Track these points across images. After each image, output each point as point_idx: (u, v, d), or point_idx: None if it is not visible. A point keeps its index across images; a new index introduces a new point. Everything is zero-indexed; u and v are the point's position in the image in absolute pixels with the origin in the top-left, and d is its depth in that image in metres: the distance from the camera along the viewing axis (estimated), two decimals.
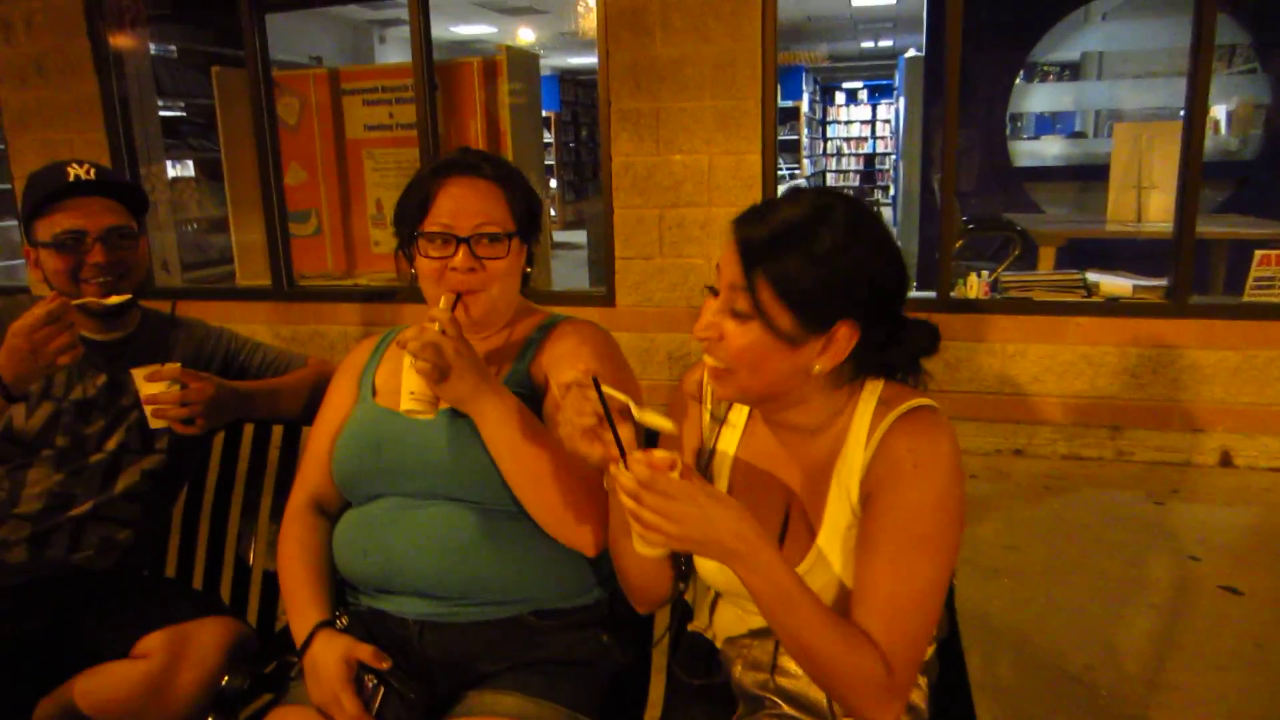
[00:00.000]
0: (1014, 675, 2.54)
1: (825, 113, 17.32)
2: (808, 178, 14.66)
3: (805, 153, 14.91)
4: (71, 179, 1.64)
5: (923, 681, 1.25)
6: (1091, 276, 4.23)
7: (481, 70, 4.94)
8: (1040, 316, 4.08)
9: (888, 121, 16.39)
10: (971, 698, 1.35)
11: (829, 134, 17.38)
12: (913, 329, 1.17)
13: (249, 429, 1.95)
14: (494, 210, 1.40)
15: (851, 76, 16.90)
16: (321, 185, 5.21)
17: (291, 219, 5.11)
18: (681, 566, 1.27)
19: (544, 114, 11.75)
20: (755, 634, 1.26)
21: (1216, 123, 7.08)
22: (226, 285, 5.46)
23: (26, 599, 1.59)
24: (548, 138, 13.42)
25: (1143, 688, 2.47)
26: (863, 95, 17.14)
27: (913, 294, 5.11)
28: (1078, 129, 9.36)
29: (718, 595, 1.36)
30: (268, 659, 1.46)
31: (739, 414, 1.32)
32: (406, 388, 1.27)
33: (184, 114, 7.08)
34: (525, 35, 11.98)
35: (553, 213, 12.84)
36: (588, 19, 9.47)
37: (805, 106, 14.63)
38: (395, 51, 10.83)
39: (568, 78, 14.80)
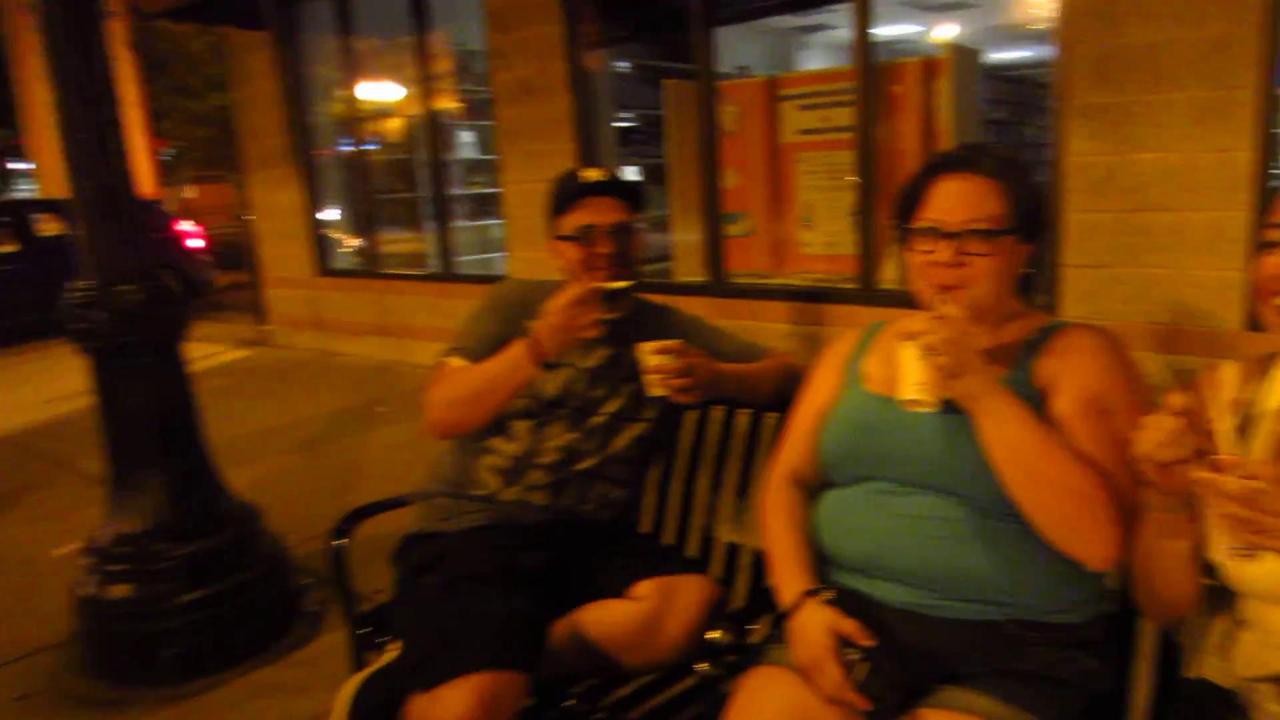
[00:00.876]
0: None
1: None
2: None
3: None
4: (587, 181, 1.93)
5: None
6: None
7: (921, 70, 4.87)
8: None
9: None
10: None
11: None
12: None
13: (717, 411, 2.15)
14: (988, 206, 1.40)
15: None
16: (755, 189, 5.48)
17: (725, 220, 5.44)
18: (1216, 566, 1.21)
19: None
20: (1275, 679, 1.15)
21: None
22: (665, 280, 5.96)
23: (547, 535, 1.91)
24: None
25: None
26: None
27: None
28: None
29: (1233, 626, 1.25)
30: (742, 621, 1.60)
31: (1268, 404, 1.23)
32: (912, 379, 1.31)
33: (634, 124, 7.84)
34: (945, 32, 11.55)
35: None
36: (1029, 10, 8.89)
37: None
38: (816, 57, 11.02)
39: (998, 74, 14.03)
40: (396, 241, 8.31)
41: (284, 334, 8.52)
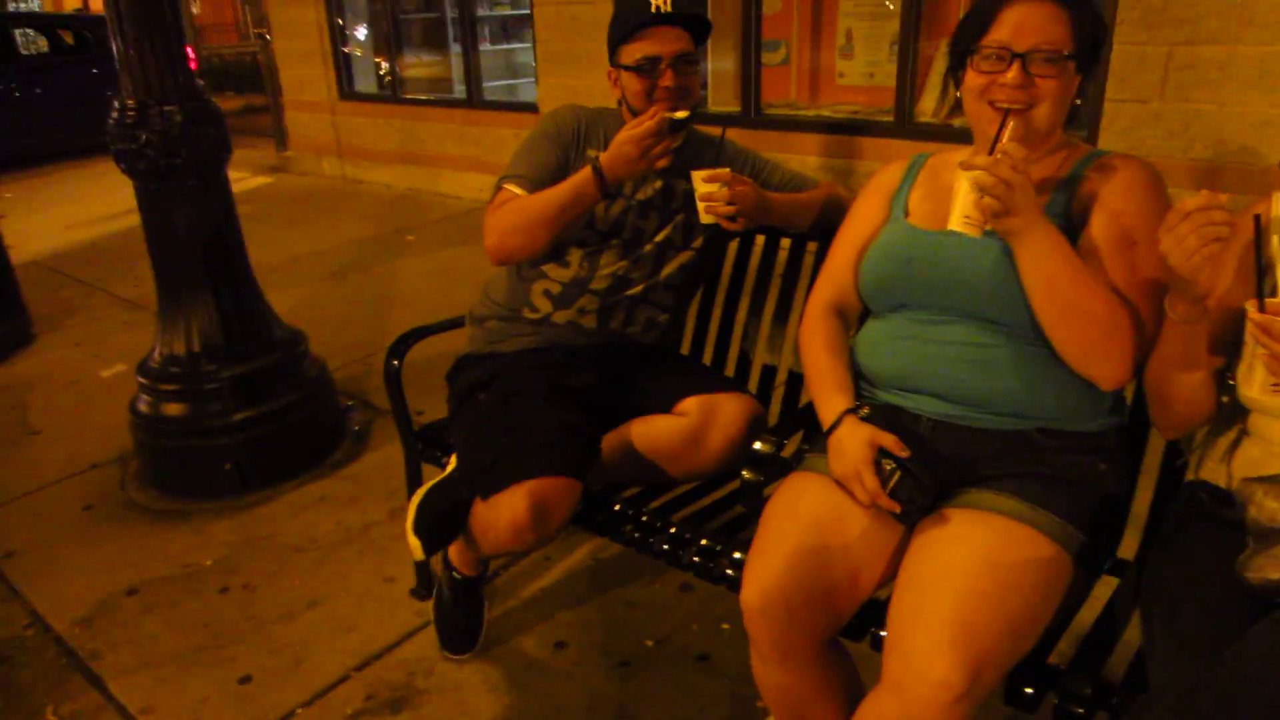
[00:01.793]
0: None
1: None
2: None
3: None
4: (653, 9, 1.88)
5: None
6: None
7: None
8: None
9: None
10: None
11: None
12: None
13: (759, 240, 2.19)
14: (1055, 31, 1.41)
15: None
16: (795, 15, 5.28)
17: (763, 48, 5.27)
18: (1229, 383, 1.27)
19: None
20: (1273, 479, 1.23)
21: None
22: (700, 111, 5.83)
23: (596, 356, 2.00)
24: None
25: None
26: None
27: None
28: None
29: (1242, 433, 1.33)
30: (779, 436, 1.70)
31: None
32: (961, 210, 1.35)
33: None
34: None
35: None
36: None
37: None
38: None
39: None
40: (421, 66, 8.10)
41: (305, 160, 8.45)
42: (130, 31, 2.60)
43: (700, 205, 1.84)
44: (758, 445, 1.64)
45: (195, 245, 2.85)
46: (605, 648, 2.18)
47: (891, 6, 4.82)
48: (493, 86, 7.34)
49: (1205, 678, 1.07)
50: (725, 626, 2.21)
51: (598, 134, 1.98)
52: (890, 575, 1.46)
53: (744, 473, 1.61)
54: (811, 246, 2.10)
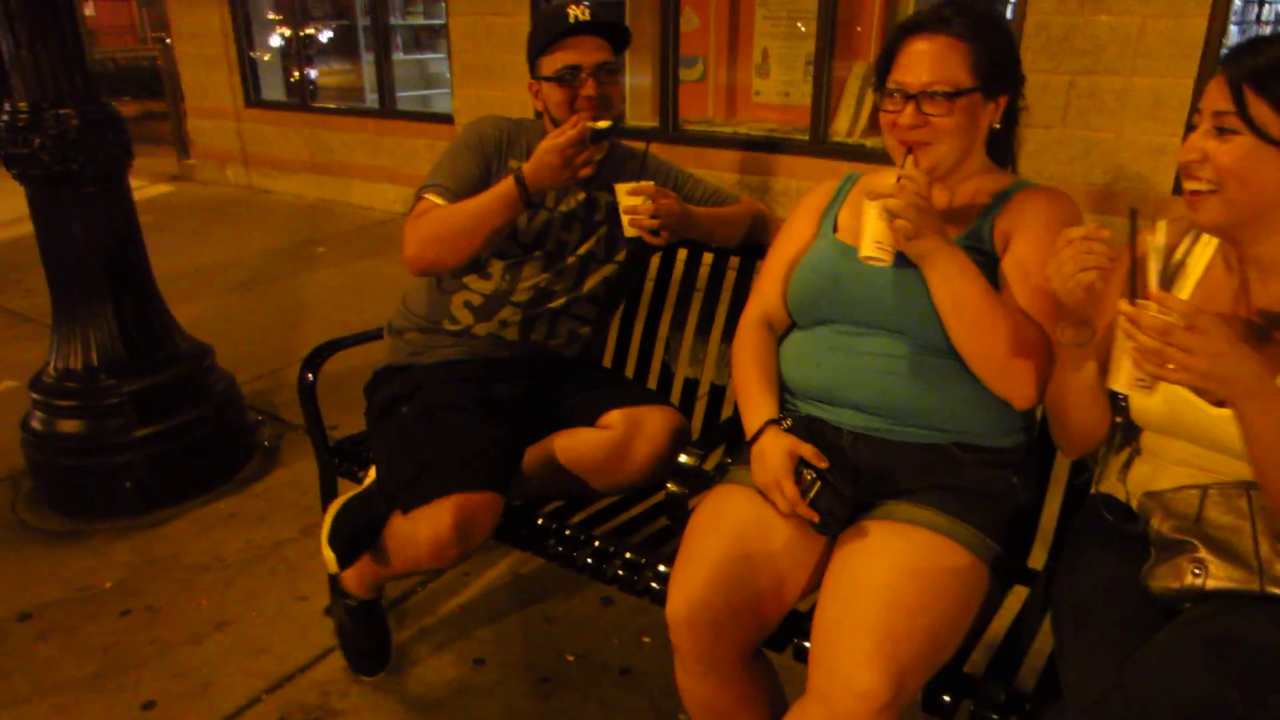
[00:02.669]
0: None
1: None
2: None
3: (1235, 18, 12.73)
4: (571, 20, 1.88)
5: None
6: None
7: None
8: None
9: None
10: None
11: None
12: None
13: (682, 254, 2.21)
14: (949, 68, 1.44)
15: None
16: (712, 32, 5.35)
17: (680, 64, 5.32)
18: (1120, 403, 1.34)
19: None
20: (1176, 489, 1.30)
21: None
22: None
23: (518, 369, 1.98)
24: None
25: None
26: None
27: None
28: None
29: (1133, 455, 1.40)
30: (707, 447, 1.72)
31: (1197, 262, 1.34)
32: (871, 237, 1.38)
33: None
34: None
35: None
36: None
37: None
38: None
39: None
40: (332, 74, 7.94)
41: (208, 169, 8.18)
42: (22, 31, 2.48)
43: (624, 218, 1.84)
44: (683, 458, 1.64)
45: (94, 255, 2.73)
46: (525, 664, 2.15)
47: (805, 29, 4.93)
48: (407, 97, 7.23)
49: (1114, 681, 1.11)
50: (646, 640, 2.21)
51: (520, 145, 1.97)
52: (813, 586, 1.48)
53: (669, 485, 1.62)
54: (734, 261, 2.13)
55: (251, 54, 7.56)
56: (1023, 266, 1.46)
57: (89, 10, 16.84)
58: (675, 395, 2.17)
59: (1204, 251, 1.35)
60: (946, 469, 1.50)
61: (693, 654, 1.43)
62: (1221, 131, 1.18)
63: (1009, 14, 4.21)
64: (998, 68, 1.47)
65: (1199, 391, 1.21)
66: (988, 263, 1.48)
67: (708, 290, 2.16)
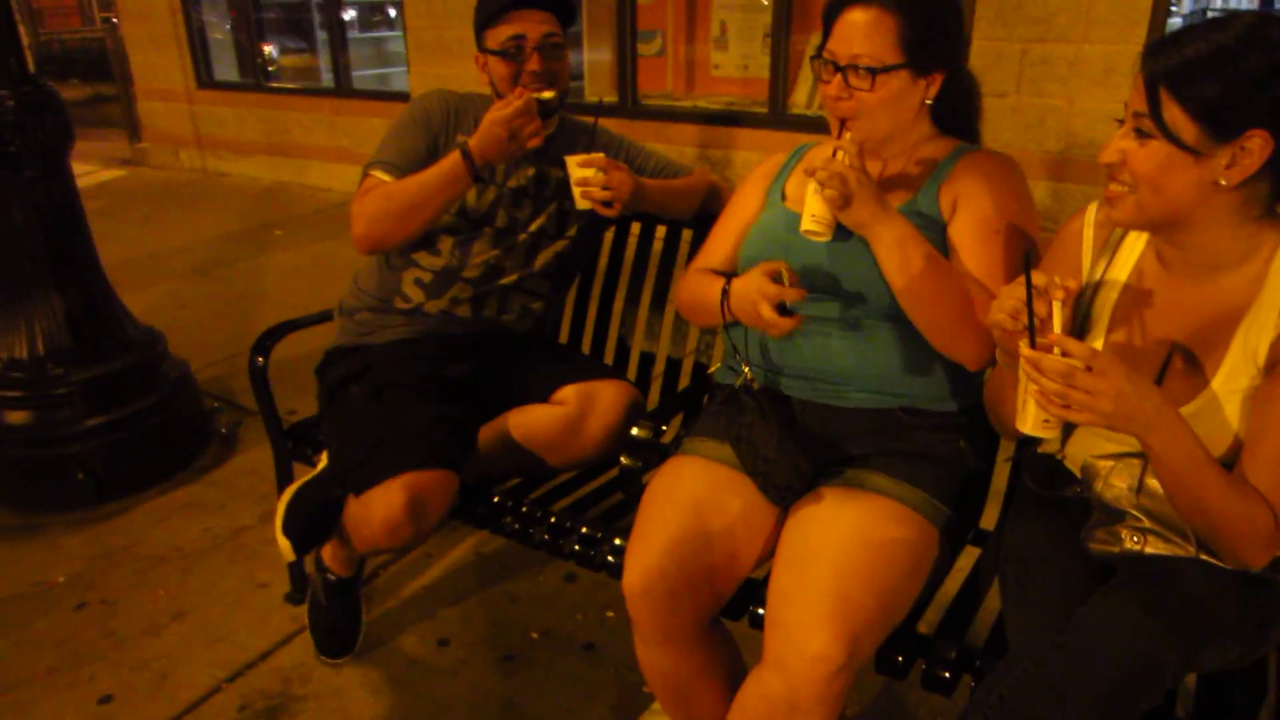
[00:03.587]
0: None
1: None
2: (1185, 15, 12.68)
3: None
4: None
5: None
6: None
7: None
8: None
9: None
10: None
11: None
12: None
13: (636, 227, 2.19)
14: (876, 41, 1.41)
15: None
16: (670, 6, 5.31)
17: (639, 38, 5.28)
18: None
19: None
20: (1116, 456, 1.31)
21: None
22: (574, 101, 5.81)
23: (471, 346, 1.96)
24: None
25: None
26: None
27: None
28: None
29: (1073, 426, 1.41)
30: (658, 421, 1.71)
31: (1129, 253, 1.32)
32: (809, 211, 1.39)
33: None
34: None
35: None
36: None
37: None
38: None
39: None
40: (287, 54, 7.79)
41: (161, 153, 8.01)
42: None
43: (575, 190, 1.82)
44: (635, 431, 1.64)
45: (35, 240, 2.66)
46: (489, 643, 2.15)
47: (763, 1, 4.90)
48: (363, 75, 7.12)
49: (1055, 640, 1.13)
50: (610, 614, 2.21)
51: (468, 119, 1.94)
52: (768, 554, 1.48)
53: (622, 459, 1.61)
54: (687, 235, 2.12)
55: (203, 33, 7.39)
56: (977, 228, 1.46)
57: None
58: (631, 370, 2.16)
59: (1120, 260, 1.34)
60: (894, 434, 1.51)
61: (650, 625, 1.44)
62: (1140, 134, 1.14)
63: None
64: (930, 44, 1.44)
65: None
66: (933, 229, 1.48)
67: (661, 264, 2.15)
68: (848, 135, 1.45)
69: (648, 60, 5.36)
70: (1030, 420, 1.14)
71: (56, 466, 2.73)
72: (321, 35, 7.16)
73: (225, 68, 7.55)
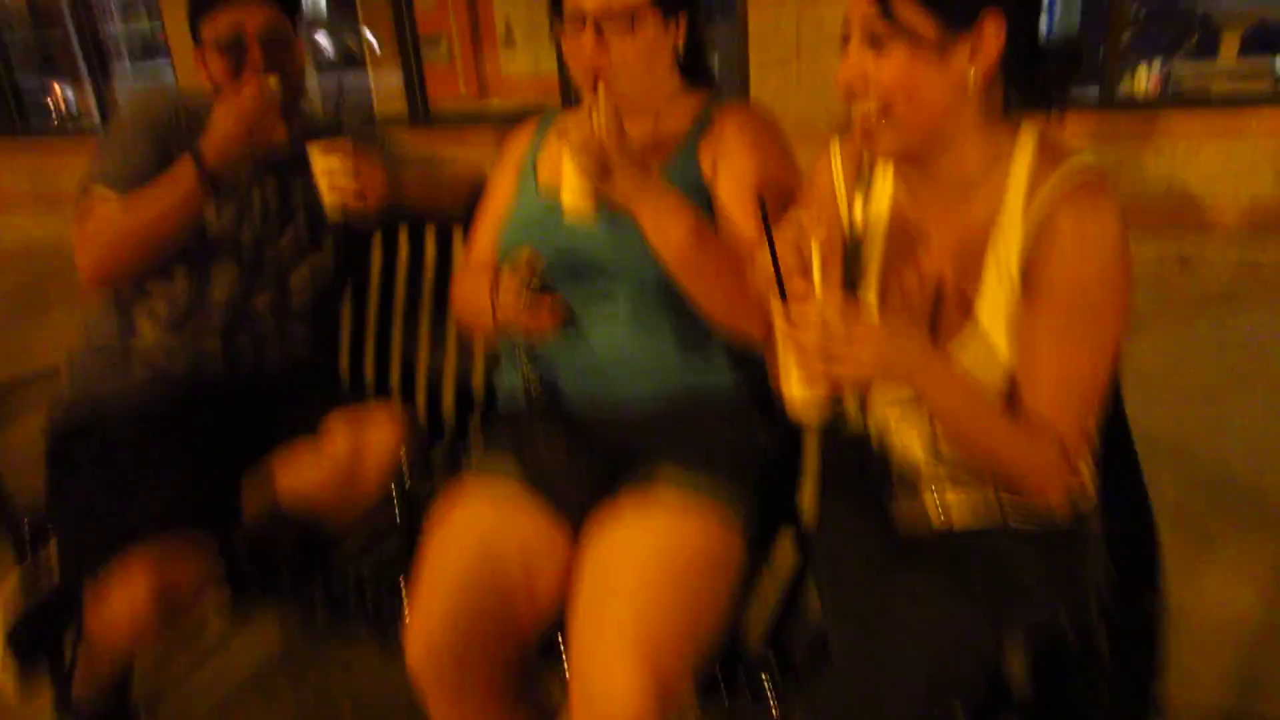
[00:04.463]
0: (1178, 490, 2.44)
1: None
2: None
3: None
4: None
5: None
6: None
7: None
8: (1218, 111, 3.71)
9: None
10: (1141, 475, 1.31)
11: None
12: (1054, 44, 1.09)
13: (404, 231, 2.00)
14: None
15: None
16: (450, 9, 5.13)
17: (423, 45, 5.08)
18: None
19: None
20: (903, 402, 1.23)
21: None
22: (366, 117, 5.55)
23: (223, 387, 1.73)
24: None
25: None
26: None
27: (1072, 92, 4.70)
28: None
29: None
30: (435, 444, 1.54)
31: (881, 189, 1.24)
32: (567, 186, 1.26)
33: None
34: None
35: None
36: None
37: None
38: None
39: None
40: (46, 94, 7.13)
41: None
42: None
43: (322, 183, 1.62)
44: (403, 454, 1.46)
45: None
46: None
47: None
48: None
49: (865, 648, 1.07)
50: None
51: (200, 119, 1.69)
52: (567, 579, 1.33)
53: (391, 488, 1.43)
54: (460, 232, 1.95)
55: None
56: (734, 191, 1.37)
57: None
58: (419, 391, 1.98)
59: (875, 196, 1.26)
60: (686, 422, 1.40)
61: (439, 696, 1.29)
62: (875, 42, 1.05)
63: None
64: None
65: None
66: (698, 193, 1.37)
67: (437, 267, 1.97)
68: (601, 91, 1.31)
69: (435, 66, 5.16)
70: (794, 380, 1.03)
71: None
72: (86, 71, 6.57)
73: None
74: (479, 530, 1.33)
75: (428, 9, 5.09)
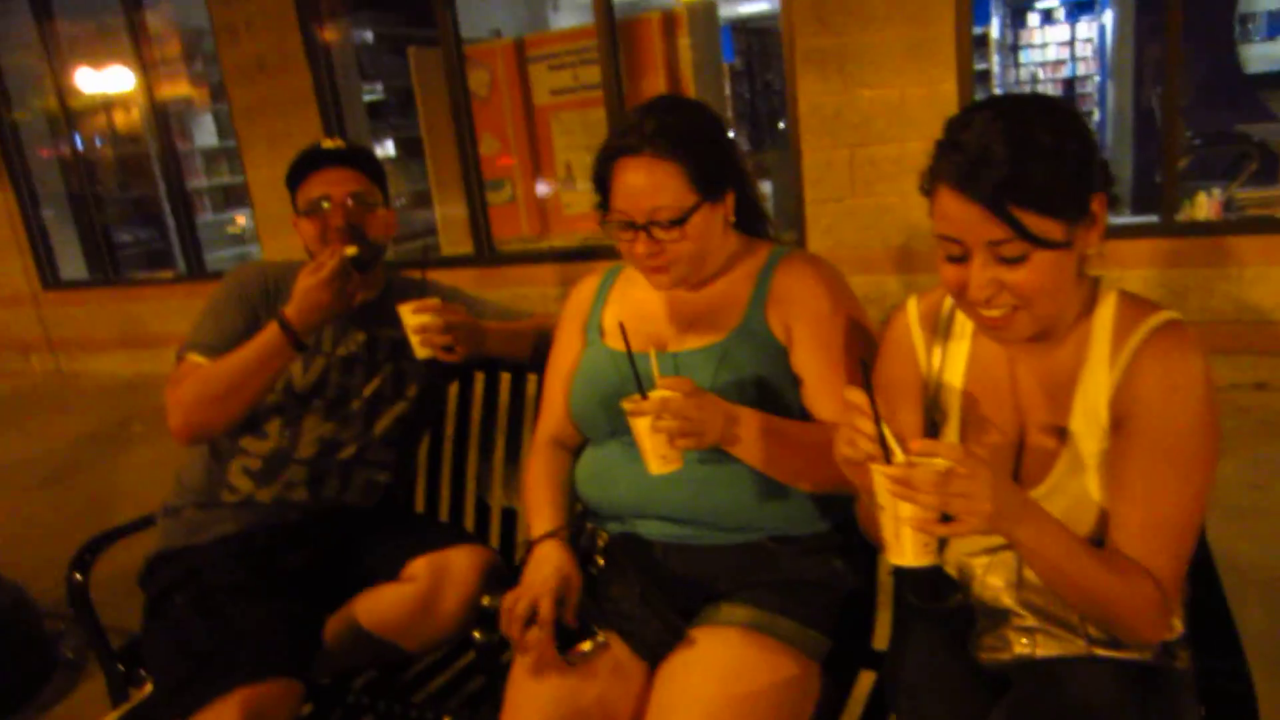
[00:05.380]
0: (1265, 617, 2.36)
1: (1017, 37, 16.11)
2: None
3: (996, 82, 13.98)
4: (319, 150, 1.84)
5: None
6: None
7: (661, 25, 4.96)
8: None
9: (1089, 41, 15.03)
10: (1229, 608, 1.30)
11: (1022, 60, 16.17)
12: None
13: (480, 378, 2.10)
14: (666, 190, 1.35)
15: None
16: (514, 154, 5.42)
17: (487, 188, 5.35)
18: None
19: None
20: (990, 550, 1.25)
21: None
22: (433, 256, 5.80)
23: (312, 532, 1.80)
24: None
25: None
26: (1060, 14, 15.80)
27: (1132, 219, 4.78)
28: None
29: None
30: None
31: (959, 338, 1.29)
32: (655, 453, 1.28)
33: (383, 96, 7.52)
34: None
35: None
36: None
37: (995, 32, 13.67)
38: (568, 16, 11.00)
39: (740, 27, 14.53)
40: (136, 245, 7.59)
41: (9, 359, 7.57)
42: None
43: (414, 339, 1.74)
44: (485, 601, 1.50)
45: None
46: None
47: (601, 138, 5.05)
48: (217, 257, 6.98)
49: None
50: None
51: (290, 288, 1.84)
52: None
53: (474, 633, 1.47)
54: (533, 377, 2.03)
55: (44, 234, 7.14)
56: (813, 367, 1.42)
57: None
58: (495, 529, 2.03)
59: (952, 361, 1.29)
60: (764, 565, 1.42)
61: None
62: (1005, 260, 1.07)
63: (771, 105, 4.44)
64: (714, 170, 1.40)
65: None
66: (770, 356, 1.43)
67: (511, 411, 2.06)
68: (674, 381, 1.29)
69: (499, 208, 5.42)
70: (909, 550, 1.03)
71: None
72: (172, 222, 7.02)
73: (72, 264, 7.28)
74: (559, 684, 1.34)
75: (491, 154, 5.39)
